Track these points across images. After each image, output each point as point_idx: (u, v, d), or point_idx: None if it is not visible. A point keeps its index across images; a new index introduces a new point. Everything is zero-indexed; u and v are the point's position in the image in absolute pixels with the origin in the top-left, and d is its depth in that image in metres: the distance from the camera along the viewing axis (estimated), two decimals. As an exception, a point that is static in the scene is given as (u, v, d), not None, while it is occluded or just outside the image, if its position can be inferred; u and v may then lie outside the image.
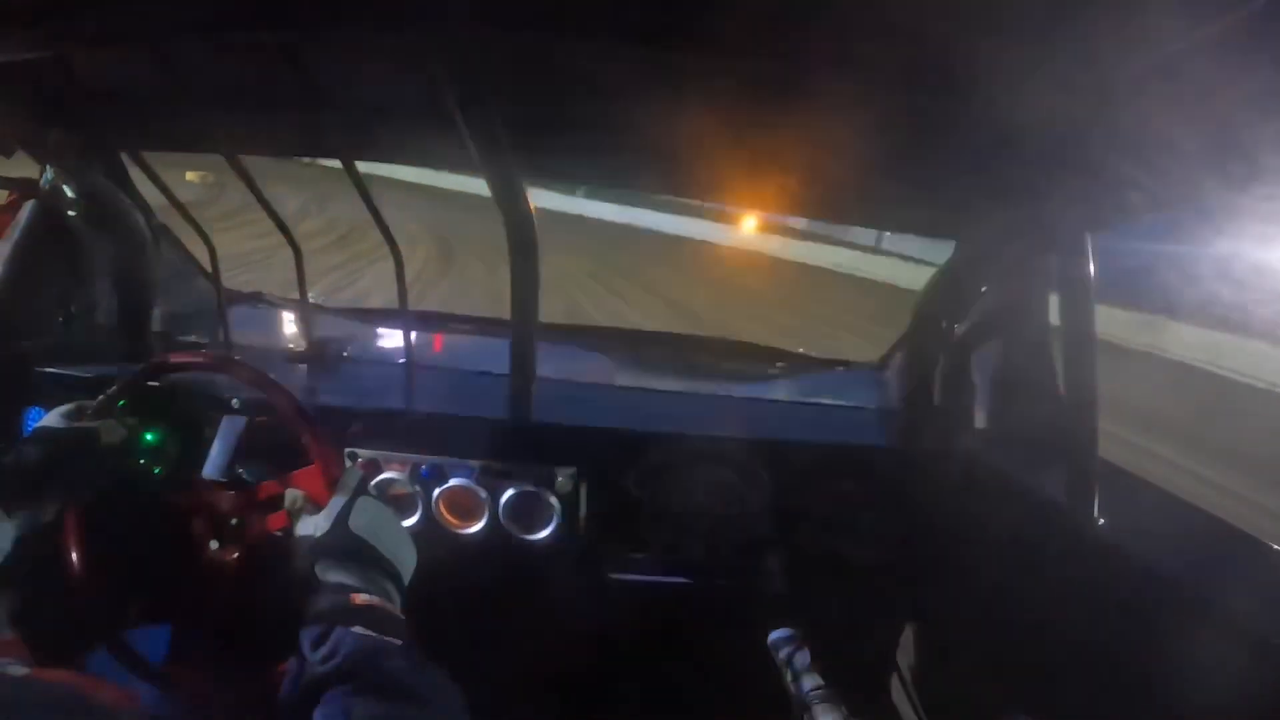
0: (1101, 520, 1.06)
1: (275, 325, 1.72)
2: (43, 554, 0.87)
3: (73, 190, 1.21)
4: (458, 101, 1.02)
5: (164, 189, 1.42)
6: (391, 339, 1.62)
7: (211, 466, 1.11)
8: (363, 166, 1.30)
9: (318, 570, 0.78)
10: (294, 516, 0.87)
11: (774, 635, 1.34)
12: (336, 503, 0.84)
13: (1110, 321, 10.05)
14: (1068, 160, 0.95)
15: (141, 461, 1.10)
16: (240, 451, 1.15)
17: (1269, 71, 0.64)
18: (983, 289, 1.37)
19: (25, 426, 1.26)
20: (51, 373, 1.32)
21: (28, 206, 1.28)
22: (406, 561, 0.85)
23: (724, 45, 0.79)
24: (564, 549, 1.36)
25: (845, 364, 1.87)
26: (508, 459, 1.32)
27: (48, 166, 1.20)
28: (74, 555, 0.91)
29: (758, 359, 1.84)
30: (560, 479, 1.32)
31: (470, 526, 1.35)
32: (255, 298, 1.81)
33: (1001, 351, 1.37)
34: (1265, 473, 5.24)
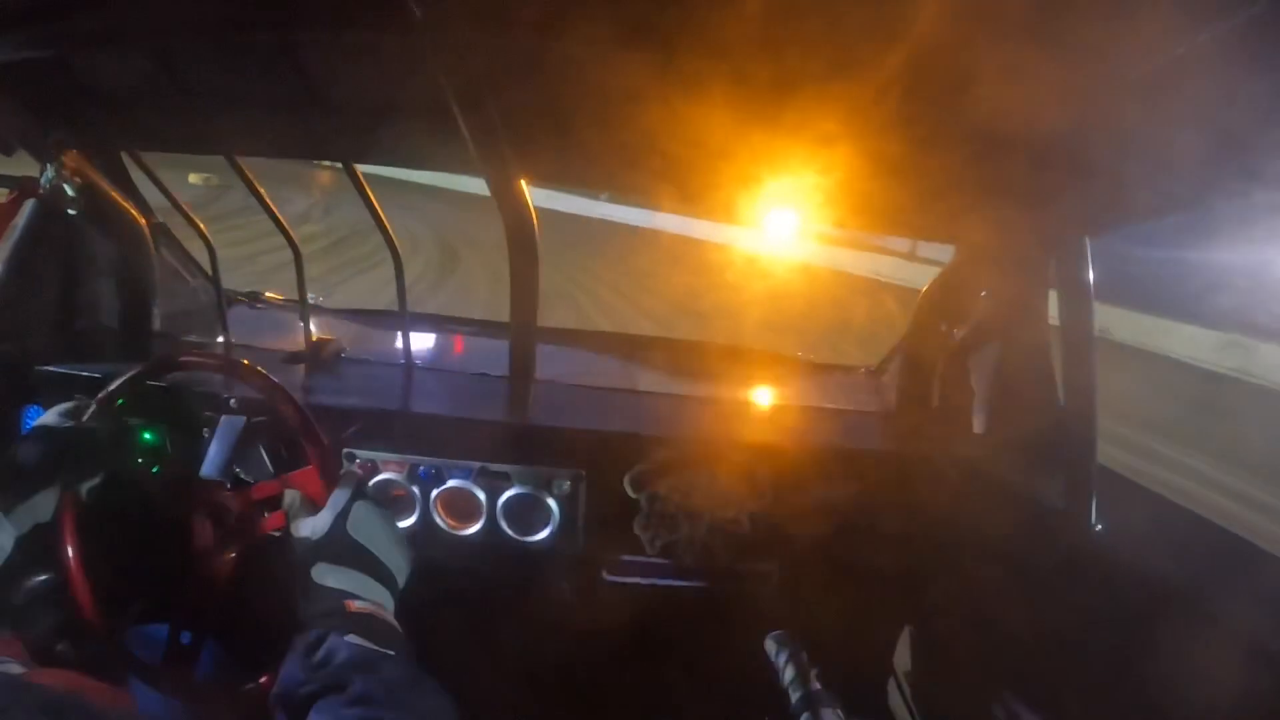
0: (1099, 526, 1.06)
1: (274, 325, 1.72)
2: (41, 553, 0.87)
3: (72, 190, 1.21)
4: (458, 102, 1.02)
5: (163, 189, 1.43)
6: (390, 340, 1.62)
7: (210, 466, 1.11)
8: (368, 167, 1.30)
9: (314, 574, 0.78)
10: (291, 517, 0.87)
11: (772, 637, 1.34)
12: (334, 505, 0.84)
13: (1190, 343, 9.42)
14: (1067, 164, 0.95)
15: (140, 460, 1.10)
16: (239, 451, 1.15)
17: (1270, 75, 0.64)
18: (982, 293, 1.38)
19: (24, 425, 1.26)
20: (51, 372, 1.31)
21: (28, 206, 1.28)
22: (403, 566, 0.85)
23: (721, 48, 0.79)
24: (562, 551, 1.36)
25: (844, 368, 1.87)
26: (506, 461, 1.32)
27: (48, 166, 1.20)
28: (71, 554, 0.90)
29: (756, 363, 1.84)
30: (559, 481, 1.32)
31: (468, 528, 1.34)
32: (254, 298, 1.81)
33: (1000, 356, 1.37)
34: None
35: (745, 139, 1.00)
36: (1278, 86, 0.65)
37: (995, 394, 1.38)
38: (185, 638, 0.99)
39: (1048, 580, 1.12)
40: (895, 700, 1.51)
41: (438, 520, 1.34)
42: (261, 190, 1.38)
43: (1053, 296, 1.23)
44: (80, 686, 0.62)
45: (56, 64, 1.09)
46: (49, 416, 0.94)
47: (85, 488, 0.92)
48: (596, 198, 16.46)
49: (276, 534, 0.95)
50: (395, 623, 0.77)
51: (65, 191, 1.21)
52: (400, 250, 1.46)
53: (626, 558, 1.37)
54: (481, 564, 1.38)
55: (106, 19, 0.92)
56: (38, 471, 0.87)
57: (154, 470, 1.10)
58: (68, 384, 1.25)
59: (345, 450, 1.30)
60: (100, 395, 1.00)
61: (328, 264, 8.47)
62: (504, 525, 1.34)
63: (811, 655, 1.26)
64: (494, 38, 0.91)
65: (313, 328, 1.56)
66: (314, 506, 0.87)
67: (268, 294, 1.86)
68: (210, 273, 1.57)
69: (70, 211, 1.25)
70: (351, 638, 0.69)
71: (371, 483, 1.32)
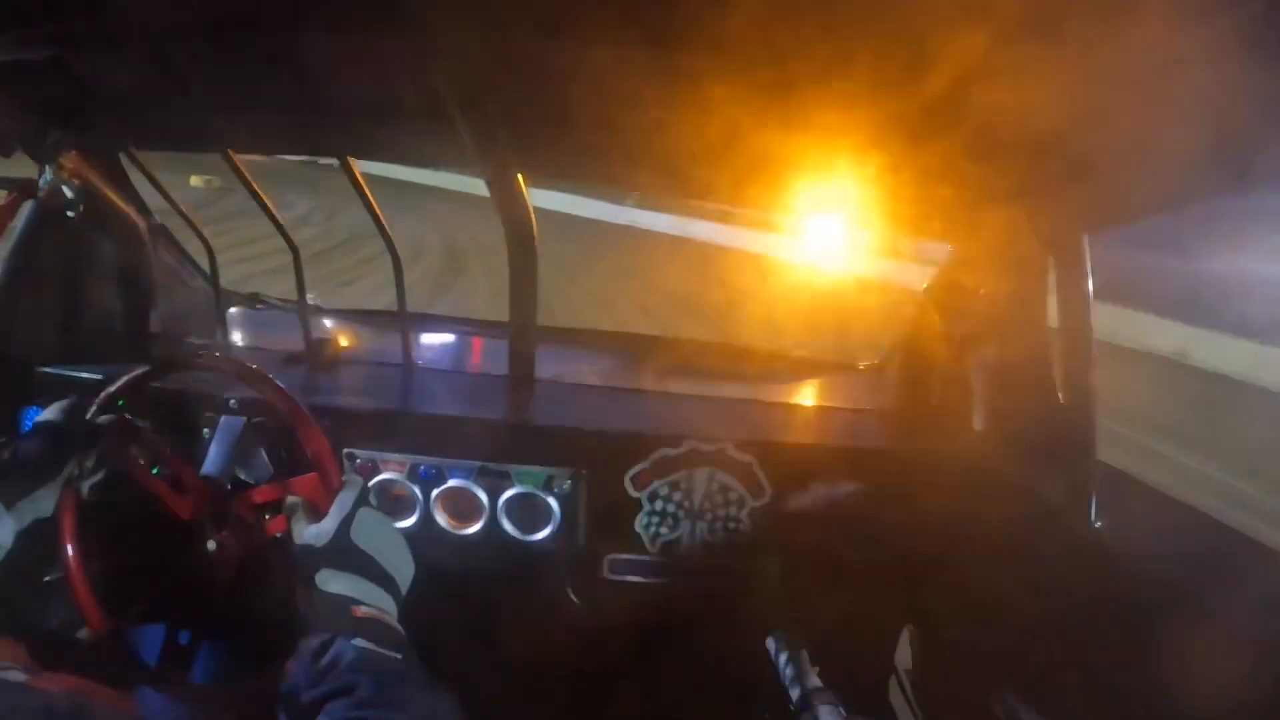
0: (1099, 522, 1.07)
1: (274, 326, 1.72)
2: (41, 549, 0.87)
3: (71, 191, 1.21)
4: (457, 102, 1.02)
5: (161, 191, 1.43)
6: (390, 340, 1.62)
7: (210, 467, 1.11)
8: (374, 168, 1.30)
9: (318, 580, 0.78)
10: (293, 522, 0.87)
11: (773, 635, 1.34)
12: (338, 512, 0.84)
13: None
14: (1065, 160, 0.95)
15: (140, 460, 1.10)
16: (239, 452, 1.15)
17: (1269, 72, 0.64)
18: (980, 290, 1.38)
19: (24, 427, 1.26)
20: (50, 373, 1.32)
21: (26, 207, 1.28)
22: (405, 572, 0.85)
23: (719, 46, 0.79)
24: (563, 550, 1.36)
25: (844, 365, 1.87)
26: (507, 460, 1.32)
27: (46, 167, 1.20)
28: (71, 553, 0.90)
29: (756, 361, 1.84)
30: (559, 480, 1.32)
31: (469, 527, 1.35)
32: (253, 298, 1.81)
33: (1000, 353, 1.37)
34: None
35: (743, 136, 1.00)
36: (1277, 83, 0.65)
37: (995, 391, 1.38)
38: (184, 638, 0.99)
39: (1048, 577, 1.12)
40: (896, 698, 1.52)
41: (438, 520, 1.34)
42: (260, 191, 1.38)
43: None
44: (82, 691, 0.62)
45: (54, 65, 1.09)
46: (51, 413, 0.94)
47: (86, 485, 0.92)
48: (621, 202, 15.58)
49: (277, 537, 0.95)
50: (399, 627, 0.77)
51: (64, 193, 1.21)
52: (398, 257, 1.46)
53: (627, 556, 1.38)
54: (482, 563, 1.38)
55: (104, 20, 0.91)
56: (40, 466, 0.87)
57: (154, 470, 1.10)
58: (67, 385, 1.25)
59: (346, 450, 1.30)
60: (101, 395, 1.00)
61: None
62: (505, 524, 1.34)
63: (812, 653, 1.27)
64: (492, 36, 0.91)
65: (311, 328, 1.56)
66: (316, 512, 0.87)
67: (266, 294, 1.86)
68: (209, 273, 1.57)
69: (69, 213, 1.24)
70: (358, 641, 0.69)
71: (372, 482, 1.32)
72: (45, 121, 1.22)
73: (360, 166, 1.32)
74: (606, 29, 0.83)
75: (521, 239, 1.36)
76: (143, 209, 1.45)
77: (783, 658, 1.28)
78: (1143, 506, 1.15)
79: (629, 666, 1.46)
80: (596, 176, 1.35)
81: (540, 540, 1.35)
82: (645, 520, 1.35)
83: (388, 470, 1.32)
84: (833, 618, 1.33)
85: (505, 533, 1.34)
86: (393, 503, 1.34)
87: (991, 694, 1.17)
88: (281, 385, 1.01)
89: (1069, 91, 0.79)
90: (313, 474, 0.92)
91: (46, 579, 0.91)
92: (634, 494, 1.34)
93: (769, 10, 0.73)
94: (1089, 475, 1.09)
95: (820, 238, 1.44)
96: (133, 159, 1.40)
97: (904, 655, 1.52)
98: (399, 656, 0.71)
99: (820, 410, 1.68)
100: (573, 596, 1.41)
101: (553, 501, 1.32)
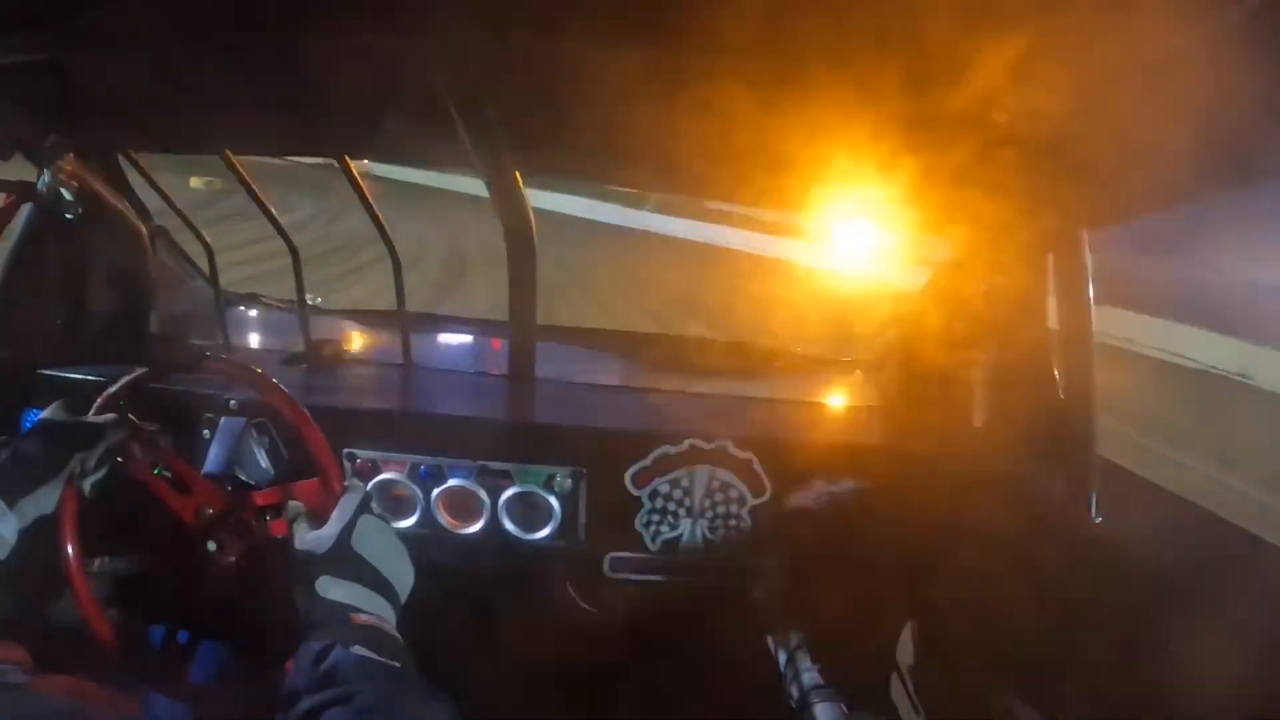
0: (1100, 518, 1.07)
1: (273, 327, 1.72)
2: (43, 546, 0.88)
3: (70, 194, 1.21)
4: (455, 101, 1.02)
5: (160, 192, 1.43)
6: (390, 340, 1.62)
7: (210, 467, 1.11)
8: (385, 170, 1.30)
9: (318, 587, 0.78)
10: (294, 527, 0.87)
11: (773, 632, 1.34)
12: (339, 519, 0.84)
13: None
14: (1064, 158, 0.95)
15: (142, 459, 1.10)
16: (239, 452, 1.15)
17: (1266, 69, 0.64)
18: (980, 287, 1.37)
19: (25, 428, 1.26)
20: (50, 375, 1.32)
21: (25, 210, 1.28)
22: (405, 582, 0.86)
23: (718, 45, 0.79)
24: (563, 549, 1.36)
25: (844, 363, 1.87)
26: (507, 459, 1.32)
27: (45, 169, 1.20)
28: (71, 554, 0.91)
29: (756, 358, 1.84)
30: (560, 479, 1.32)
31: (469, 527, 1.35)
32: (253, 299, 1.82)
33: (999, 349, 1.37)
34: None
35: (741, 135, 1.00)
36: (1274, 79, 0.65)
37: (995, 388, 1.38)
38: (183, 638, 0.99)
39: (1049, 573, 1.12)
40: (898, 694, 1.52)
41: (439, 519, 1.34)
42: (259, 192, 1.38)
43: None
44: (82, 692, 0.62)
45: (53, 67, 1.09)
46: (53, 411, 0.95)
47: (88, 483, 0.92)
48: (640, 207, 15.19)
49: (277, 540, 0.95)
50: (398, 635, 0.77)
51: (63, 195, 1.21)
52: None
53: (628, 555, 1.38)
54: (483, 562, 1.38)
55: (102, 22, 0.91)
56: (42, 464, 0.88)
57: (154, 471, 1.10)
58: (67, 387, 1.25)
59: (346, 450, 1.30)
60: (101, 397, 1.00)
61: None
62: (505, 523, 1.34)
63: (813, 650, 1.27)
64: (490, 36, 0.91)
65: (311, 328, 1.56)
66: (318, 518, 0.87)
67: (265, 295, 1.86)
68: (208, 274, 1.58)
69: (68, 216, 1.25)
70: (358, 649, 0.69)
71: (372, 482, 1.32)
72: (43, 124, 1.22)
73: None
74: (604, 28, 0.83)
75: (520, 238, 1.36)
76: (142, 211, 1.45)
77: (783, 655, 1.28)
78: None
79: (630, 664, 1.46)
80: (594, 176, 1.35)
81: (541, 539, 1.35)
82: (646, 518, 1.36)
83: (388, 470, 1.32)
84: (833, 615, 1.33)
85: (506, 532, 1.34)
86: (393, 503, 1.34)
87: (992, 690, 1.17)
88: (282, 386, 1.01)
89: (1068, 88, 0.78)
90: (316, 481, 0.92)
91: (47, 575, 0.92)
92: (634, 492, 1.34)
93: (768, 10, 0.73)
94: (1089, 471, 1.09)
95: (845, 243, 1.44)
96: (131, 161, 1.41)
97: (905, 652, 1.52)
98: (398, 665, 0.71)
99: (821, 407, 1.68)
100: (574, 595, 1.42)
101: (553, 500, 1.32)
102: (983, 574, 1.25)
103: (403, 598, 0.84)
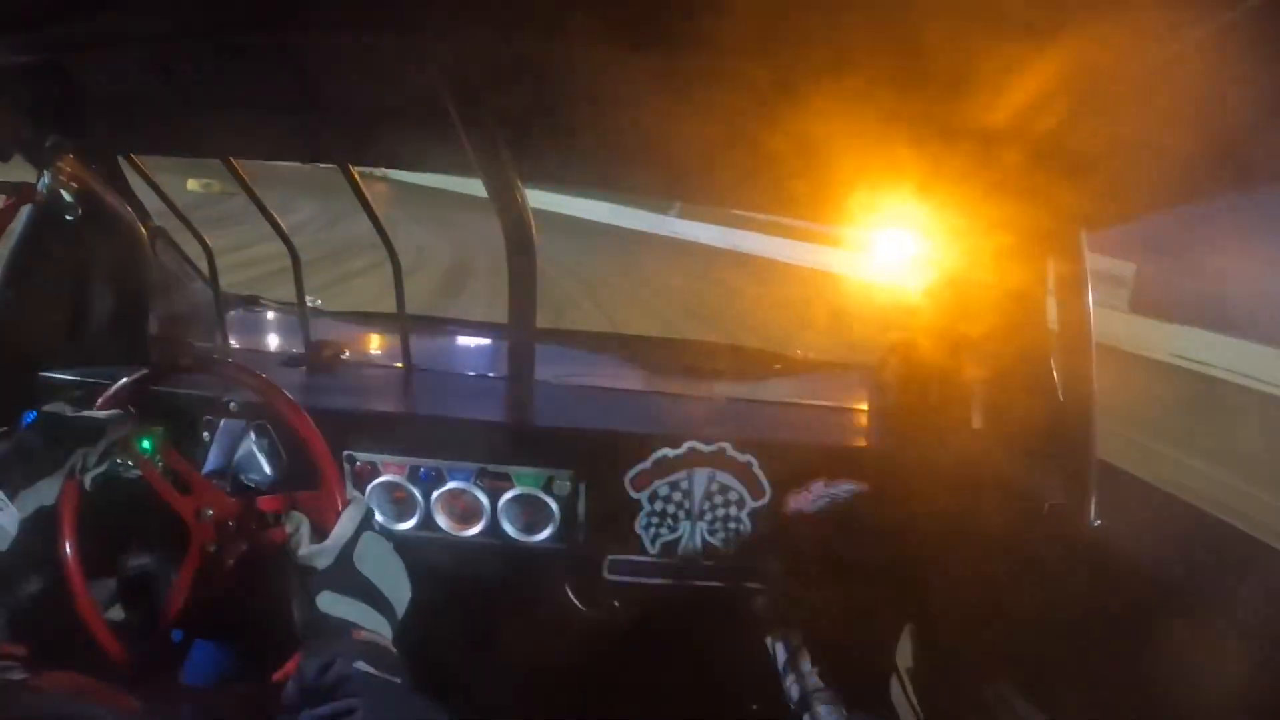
0: (1099, 521, 1.07)
1: (273, 328, 1.72)
2: (43, 538, 0.87)
3: (70, 195, 1.21)
4: (455, 104, 1.02)
5: (160, 194, 1.43)
6: (389, 342, 1.62)
7: (210, 469, 1.11)
8: (380, 170, 1.30)
9: (319, 602, 0.79)
10: (295, 540, 0.88)
11: (773, 634, 1.34)
12: (341, 535, 0.85)
13: None
14: (1063, 159, 0.95)
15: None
16: (239, 455, 1.15)
17: (1265, 70, 0.64)
18: (979, 289, 1.38)
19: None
20: (50, 377, 1.31)
21: (25, 212, 1.28)
22: (403, 599, 0.87)
23: (718, 48, 0.79)
24: (563, 551, 1.36)
25: (843, 365, 1.87)
26: (506, 461, 1.32)
27: (45, 171, 1.20)
28: (70, 551, 0.90)
29: (755, 361, 1.84)
30: (559, 481, 1.32)
31: (469, 529, 1.35)
32: (252, 300, 1.81)
33: (998, 351, 1.37)
34: None
35: (740, 135, 1.00)
36: (1274, 80, 0.65)
37: (994, 390, 1.38)
38: (178, 637, 0.99)
39: (1048, 575, 1.12)
40: (897, 696, 1.51)
41: (439, 521, 1.34)
42: (256, 193, 1.38)
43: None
44: (81, 690, 0.62)
45: (53, 69, 1.09)
46: (55, 405, 0.95)
47: (89, 477, 0.93)
48: (665, 213, 14.83)
49: (277, 546, 0.95)
50: (395, 651, 0.78)
51: (63, 197, 1.21)
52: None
53: (627, 557, 1.38)
54: (483, 565, 1.38)
55: (102, 23, 0.92)
56: (43, 456, 0.88)
57: (156, 467, 1.10)
58: (68, 389, 1.25)
59: (346, 453, 1.30)
60: (101, 398, 1.00)
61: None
62: (505, 526, 1.34)
63: (812, 652, 1.26)
64: (490, 39, 0.91)
65: (311, 330, 1.56)
66: (319, 532, 0.87)
67: (265, 297, 1.86)
68: (208, 275, 1.58)
69: (68, 217, 1.25)
70: (360, 664, 0.70)
71: (372, 485, 1.32)
72: (43, 125, 1.22)
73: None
74: (604, 32, 0.83)
75: (520, 240, 1.36)
76: (141, 212, 1.45)
77: (783, 657, 1.28)
78: None
79: (629, 666, 1.46)
80: (594, 179, 1.35)
81: (541, 541, 1.35)
82: (645, 520, 1.35)
83: (388, 472, 1.32)
84: (832, 617, 1.32)
85: (505, 534, 1.34)
86: (393, 505, 1.34)
87: (992, 691, 1.17)
88: (282, 389, 1.01)
89: (1067, 88, 0.79)
90: (317, 493, 0.92)
91: (47, 582, 0.92)
92: (634, 494, 1.34)
93: (767, 12, 0.73)
94: (1089, 474, 1.09)
95: (881, 251, 1.44)
96: (131, 162, 1.41)
97: (904, 654, 1.52)
98: (398, 681, 0.72)
99: (820, 410, 1.68)
100: (573, 597, 1.41)
101: (553, 503, 1.32)
102: (982, 577, 1.25)
103: (400, 615, 0.85)
